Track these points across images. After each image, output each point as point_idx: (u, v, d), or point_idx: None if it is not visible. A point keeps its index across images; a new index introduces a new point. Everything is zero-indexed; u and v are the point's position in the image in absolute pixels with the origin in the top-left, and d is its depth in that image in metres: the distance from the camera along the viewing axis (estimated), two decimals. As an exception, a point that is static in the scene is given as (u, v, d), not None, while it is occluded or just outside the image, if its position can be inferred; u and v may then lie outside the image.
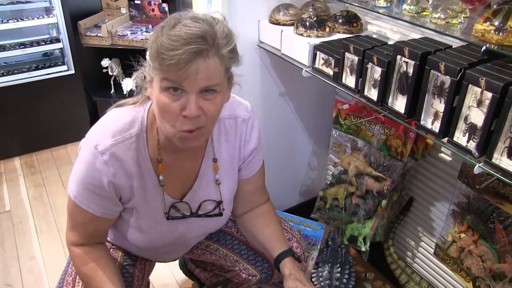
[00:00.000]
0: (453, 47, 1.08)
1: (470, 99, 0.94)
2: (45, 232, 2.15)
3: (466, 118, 0.96)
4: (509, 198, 1.17)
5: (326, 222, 1.77)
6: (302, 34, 1.44)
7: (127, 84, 2.76)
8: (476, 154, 0.94)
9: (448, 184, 1.47)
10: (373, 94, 1.19)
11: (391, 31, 1.49)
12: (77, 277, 1.14)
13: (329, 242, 1.77)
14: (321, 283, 1.65)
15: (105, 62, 2.80)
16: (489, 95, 0.89)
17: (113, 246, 1.27)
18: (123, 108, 1.05)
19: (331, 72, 1.33)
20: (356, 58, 1.21)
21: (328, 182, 1.71)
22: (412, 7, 1.14)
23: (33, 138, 2.79)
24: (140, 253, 1.28)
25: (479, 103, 0.92)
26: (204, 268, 1.62)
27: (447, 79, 0.98)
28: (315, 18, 1.44)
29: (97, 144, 0.98)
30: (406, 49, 1.05)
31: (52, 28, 2.77)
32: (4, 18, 2.56)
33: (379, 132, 1.49)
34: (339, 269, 1.67)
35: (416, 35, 1.35)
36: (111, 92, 2.94)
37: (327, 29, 1.44)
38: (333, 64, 1.30)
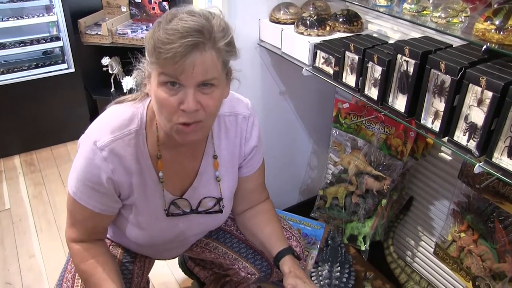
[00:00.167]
0: (453, 46, 1.08)
1: (470, 98, 0.93)
2: (44, 231, 2.15)
3: (466, 118, 0.95)
4: (509, 198, 1.17)
5: (326, 221, 1.77)
6: (302, 33, 1.44)
7: (127, 82, 2.76)
8: (476, 153, 0.93)
9: (448, 183, 1.47)
10: (373, 93, 1.19)
11: (392, 30, 1.49)
12: (77, 274, 1.14)
13: (329, 241, 1.77)
14: (321, 282, 1.65)
15: (105, 61, 2.80)
16: (489, 94, 0.89)
17: (112, 243, 1.27)
18: (122, 105, 1.05)
19: (331, 71, 1.33)
20: (357, 57, 1.21)
21: (328, 181, 1.71)
22: (412, 6, 1.14)
23: (33, 136, 2.79)
24: (139, 250, 1.28)
25: (480, 102, 0.92)
26: (203, 267, 1.62)
27: (447, 78, 0.98)
28: (315, 17, 1.44)
29: (96, 140, 0.98)
30: (406, 48, 1.05)
31: (52, 26, 2.77)
32: (4, 16, 2.56)
33: (379, 131, 1.49)
34: (339, 268, 1.67)
35: (416, 34, 1.34)
36: (111, 90, 2.94)
37: (328, 28, 1.44)
38: (333, 63, 1.30)
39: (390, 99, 1.15)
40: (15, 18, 2.57)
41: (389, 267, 1.68)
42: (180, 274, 1.82)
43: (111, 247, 1.26)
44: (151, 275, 1.42)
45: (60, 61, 2.74)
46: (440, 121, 1.02)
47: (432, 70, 1.00)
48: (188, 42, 0.82)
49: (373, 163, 1.54)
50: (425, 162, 1.54)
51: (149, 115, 1.03)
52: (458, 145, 0.98)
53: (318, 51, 1.37)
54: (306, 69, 1.41)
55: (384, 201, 1.51)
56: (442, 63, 0.97)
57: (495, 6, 0.96)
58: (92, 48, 2.79)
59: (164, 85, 0.88)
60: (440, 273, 1.62)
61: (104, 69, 2.85)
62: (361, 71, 1.21)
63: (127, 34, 2.73)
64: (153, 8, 2.87)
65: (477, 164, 0.93)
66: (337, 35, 1.46)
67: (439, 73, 0.99)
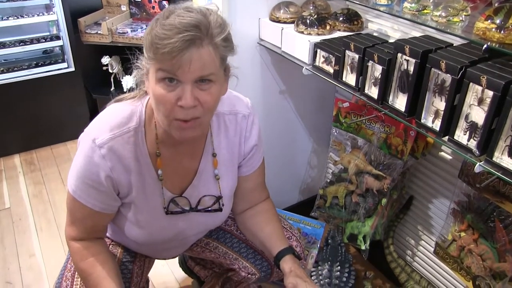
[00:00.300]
0: (454, 45, 1.08)
1: (471, 97, 0.93)
2: (44, 230, 2.15)
3: (467, 117, 0.95)
4: (509, 197, 1.17)
5: (326, 220, 1.77)
6: (302, 32, 1.44)
7: (127, 81, 2.76)
8: (477, 152, 0.93)
9: (448, 182, 1.47)
10: (373, 92, 1.19)
11: (392, 29, 1.48)
12: (76, 273, 1.14)
13: (329, 241, 1.77)
14: (321, 282, 1.65)
15: (105, 60, 2.80)
16: (490, 93, 0.88)
17: (112, 242, 1.27)
18: (121, 103, 1.06)
19: (331, 70, 1.32)
20: (357, 56, 1.20)
21: (328, 181, 1.71)
22: (413, 5, 1.14)
23: (33, 135, 2.79)
24: (139, 249, 1.28)
25: (480, 101, 0.91)
26: (203, 266, 1.62)
27: (448, 77, 0.97)
28: (315, 16, 1.44)
29: (95, 138, 0.98)
30: (407, 47, 1.05)
31: (52, 26, 2.76)
32: (4, 15, 2.56)
33: (380, 130, 1.48)
34: (339, 267, 1.67)
35: (416, 33, 1.34)
36: (111, 89, 2.93)
37: (328, 27, 1.44)
38: (333, 62, 1.30)
39: (391, 98, 1.15)
40: (15, 17, 2.57)
41: (389, 267, 1.68)
42: (180, 274, 1.82)
43: (111, 246, 1.26)
44: (151, 274, 1.42)
45: (60, 60, 2.74)
46: (440, 120, 1.02)
47: (432, 69, 1.00)
48: (185, 37, 0.82)
49: (373, 162, 1.54)
50: (425, 161, 1.54)
51: (148, 113, 1.03)
52: (458, 144, 0.98)
53: (318, 50, 1.37)
54: (306, 68, 1.41)
55: (384, 200, 1.51)
56: (443, 62, 0.96)
57: (496, 5, 0.96)
58: (92, 47, 2.79)
59: (162, 81, 0.88)
60: (440, 272, 1.62)
61: (104, 68, 2.84)
62: (361, 70, 1.20)
63: (127, 33, 2.73)
64: (153, 7, 2.87)
65: (478, 163, 0.93)
66: (337, 34, 1.46)
67: (440, 72, 0.99)
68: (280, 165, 1.95)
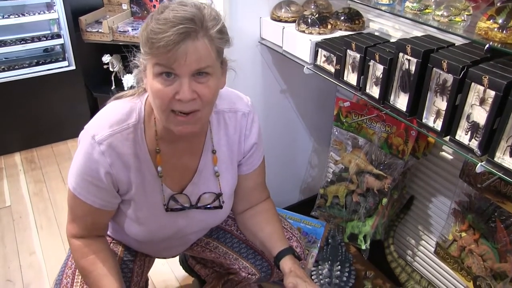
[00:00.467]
0: (456, 45, 1.08)
1: (472, 97, 0.93)
2: (45, 228, 2.15)
3: (468, 117, 0.95)
4: (510, 198, 1.17)
5: (327, 220, 1.77)
6: (303, 31, 1.43)
7: (128, 80, 2.76)
8: (478, 152, 0.93)
9: (449, 182, 1.47)
10: (375, 91, 1.19)
11: (393, 28, 1.48)
12: (77, 270, 1.14)
13: (329, 240, 1.77)
14: (321, 281, 1.64)
15: (106, 58, 2.80)
16: (492, 93, 0.88)
17: (113, 241, 1.27)
18: (121, 100, 1.06)
19: (332, 70, 1.32)
20: (358, 56, 1.20)
21: (329, 180, 1.71)
22: (414, 4, 1.13)
23: (34, 133, 2.79)
24: (139, 247, 1.28)
25: (482, 101, 0.91)
26: (204, 265, 1.62)
27: (449, 77, 0.97)
28: (317, 15, 1.43)
29: (95, 134, 0.99)
30: (408, 46, 1.04)
31: (53, 24, 2.76)
32: (5, 13, 2.56)
33: (380, 130, 1.48)
34: (339, 267, 1.67)
35: (418, 33, 1.34)
36: (112, 88, 2.93)
37: (329, 26, 1.43)
38: (334, 62, 1.30)
39: (392, 97, 1.15)
40: (16, 16, 2.56)
41: (389, 266, 1.68)
42: (180, 273, 1.82)
43: (112, 245, 1.26)
44: (151, 273, 1.42)
45: (60, 59, 2.74)
46: (442, 120, 1.02)
47: (434, 68, 1.00)
48: (179, 30, 0.83)
49: (374, 162, 1.54)
50: (426, 161, 1.54)
51: (147, 110, 1.03)
52: (460, 144, 0.98)
53: (320, 50, 1.36)
54: (307, 68, 1.41)
55: (384, 200, 1.51)
56: (444, 61, 0.96)
57: (498, 4, 0.96)
58: (93, 46, 2.78)
59: (159, 76, 0.88)
60: (440, 272, 1.61)
61: (105, 66, 2.84)
62: (362, 70, 1.20)
63: (128, 31, 2.72)
64: (154, 6, 2.87)
65: (479, 164, 0.93)
66: (339, 33, 1.45)
67: (441, 72, 0.99)
68: (281, 164, 1.95)
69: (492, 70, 0.90)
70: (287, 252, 1.14)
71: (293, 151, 1.99)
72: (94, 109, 2.94)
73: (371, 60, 1.16)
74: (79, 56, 2.73)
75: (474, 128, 0.94)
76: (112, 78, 2.92)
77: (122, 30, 2.72)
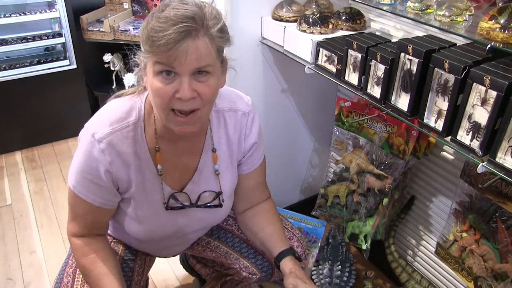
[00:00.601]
0: (457, 45, 1.07)
1: (474, 97, 0.93)
2: (45, 226, 2.15)
3: (470, 117, 0.95)
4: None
5: (327, 219, 1.76)
6: (305, 31, 1.43)
7: (129, 79, 2.76)
8: (480, 153, 0.93)
9: (450, 182, 1.47)
10: (376, 91, 1.19)
11: (395, 28, 1.48)
12: (78, 269, 1.14)
13: (330, 240, 1.77)
14: (321, 281, 1.64)
15: (107, 57, 2.80)
16: (493, 93, 0.88)
17: (114, 240, 1.27)
18: (121, 98, 1.06)
19: (334, 69, 1.32)
20: (359, 55, 1.20)
21: (330, 180, 1.71)
22: (416, 4, 1.13)
23: (34, 132, 2.79)
24: (139, 246, 1.28)
25: (483, 101, 0.91)
26: (205, 264, 1.62)
27: (451, 77, 0.97)
28: (318, 15, 1.43)
29: (94, 132, 0.99)
30: (410, 46, 1.04)
31: (54, 23, 2.76)
32: (7, 12, 2.56)
33: (381, 130, 1.48)
34: (340, 267, 1.67)
35: (419, 33, 1.34)
36: (113, 87, 2.93)
37: (330, 26, 1.43)
38: (336, 61, 1.30)
39: (393, 97, 1.14)
40: (18, 14, 2.56)
41: (390, 266, 1.68)
42: (181, 272, 1.82)
43: (112, 244, 1.26)
44: (152, 272, 1.42)
45: (62, 58, 2.74)
46: (443, 120, 1.01)
47: (435, 69, 1.00)
48: (180, 28, 0.83)
49: (375, 161, 1.53)
50: (427, 161, 1.54)
51: (147, 108, 1.03)
52: (461, 144, 0.98)
53: (321, 49, 1.36)
54: (308, 67, 1.40)
55: (385, 200, 1.51)
56: (446, 62, 0.96)
57: (500, 4, 0.96)
58: (94, 45, 2.78)
59: (160, 74, 0.88)
60: (441, 272, 1.61)
61: (106, 65, 2.84)
62: (364, 70, 1.20)
63: (129, 31, 2.72)
64: (155, 5, 2.87)
65: (481, 164, 0.93)
66: (340, 33, 1.45)
67: (443, 72, 0.98)
68: (282, 164, 1.94)
69: (493, 70, 0.90)
70: (287, 252, 1.14)
71: (294, 151, 1.98)
72: (95, 108, 2.94)
73: (373, 60, 1.16)
74: (80, 55, 2.73)
75: (475, 128, 0.94)
76: (113, 77, 2.92)
77: (123, 29, 2.72)
